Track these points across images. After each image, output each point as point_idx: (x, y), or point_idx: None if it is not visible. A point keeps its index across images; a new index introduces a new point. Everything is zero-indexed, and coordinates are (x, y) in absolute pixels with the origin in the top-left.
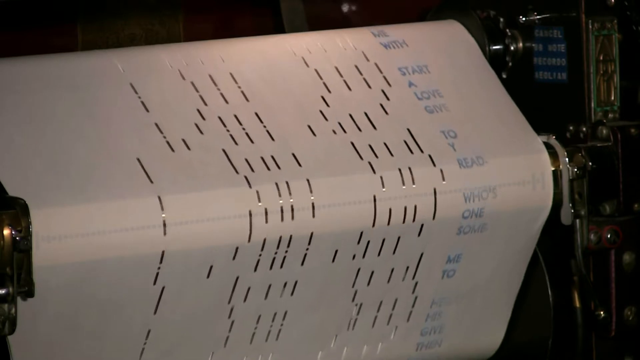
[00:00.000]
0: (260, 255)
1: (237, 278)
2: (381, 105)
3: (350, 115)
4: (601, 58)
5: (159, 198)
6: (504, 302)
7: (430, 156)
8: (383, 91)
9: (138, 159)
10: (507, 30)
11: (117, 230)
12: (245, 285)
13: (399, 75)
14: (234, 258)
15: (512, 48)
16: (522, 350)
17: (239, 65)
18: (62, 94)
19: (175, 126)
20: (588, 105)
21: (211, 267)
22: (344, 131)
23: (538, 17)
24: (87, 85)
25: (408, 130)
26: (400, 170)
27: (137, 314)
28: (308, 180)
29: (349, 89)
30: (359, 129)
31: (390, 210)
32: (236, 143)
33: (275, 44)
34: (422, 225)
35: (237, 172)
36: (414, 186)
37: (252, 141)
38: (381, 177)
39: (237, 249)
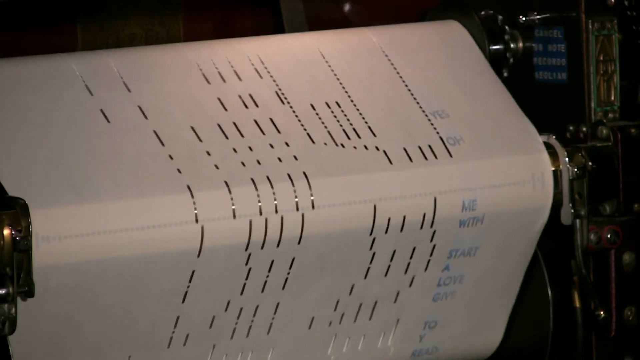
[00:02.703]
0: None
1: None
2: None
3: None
4: (601, 58)
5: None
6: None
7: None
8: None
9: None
10: (507, 30)
11: (117, 231)
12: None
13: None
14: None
15: (512, 47)
16: (522, 350)
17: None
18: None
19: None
20: (588, 105)
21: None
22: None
23: (538, 17)
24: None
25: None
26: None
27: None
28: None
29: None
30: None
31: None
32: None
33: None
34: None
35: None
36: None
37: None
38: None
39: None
